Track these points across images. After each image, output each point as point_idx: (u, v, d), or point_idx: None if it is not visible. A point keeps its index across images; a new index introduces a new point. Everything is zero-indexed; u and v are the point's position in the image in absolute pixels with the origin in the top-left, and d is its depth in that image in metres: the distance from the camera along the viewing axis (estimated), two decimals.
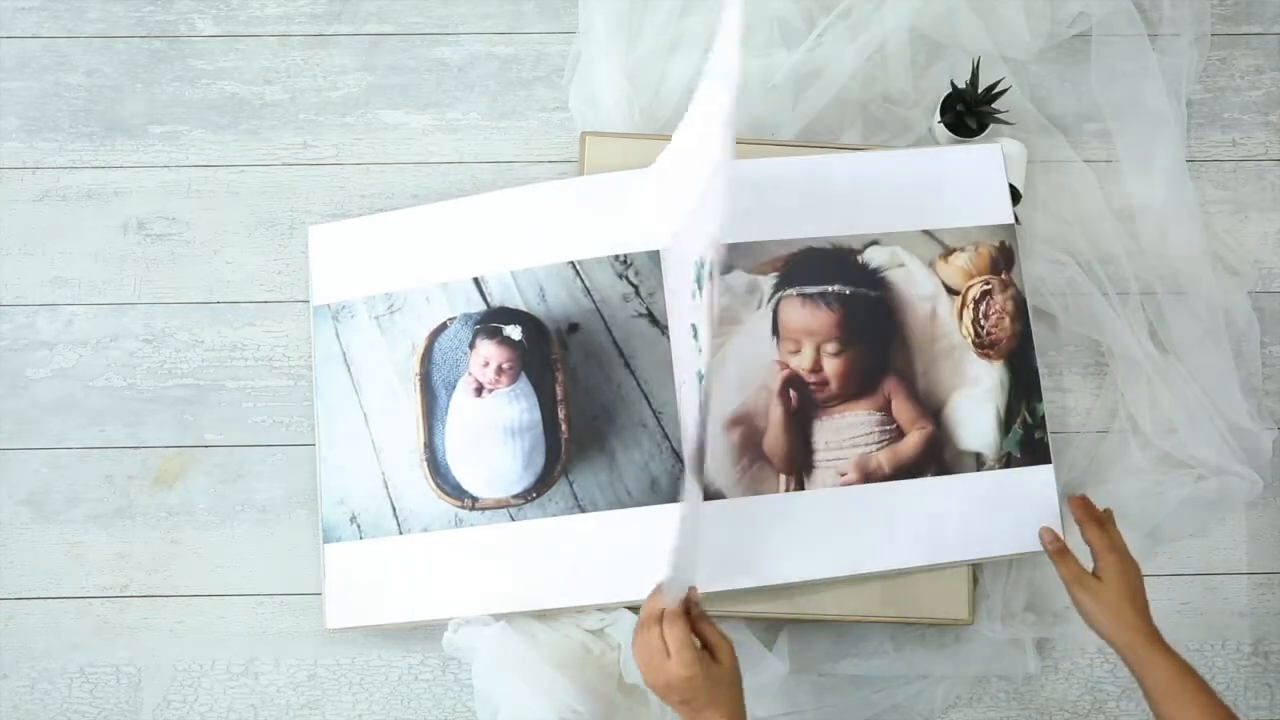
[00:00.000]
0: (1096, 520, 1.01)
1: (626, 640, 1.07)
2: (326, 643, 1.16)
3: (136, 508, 1.18)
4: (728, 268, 1.12)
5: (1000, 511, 1.10)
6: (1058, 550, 1.01)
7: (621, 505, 1.08)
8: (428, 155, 1.25)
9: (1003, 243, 1.15)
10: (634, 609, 1.08)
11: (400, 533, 1.11)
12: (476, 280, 1.14)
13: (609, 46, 1.22)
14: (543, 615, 1.08)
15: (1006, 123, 1.19)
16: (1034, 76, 1.26)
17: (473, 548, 1.09)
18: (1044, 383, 1.14)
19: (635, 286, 1.12)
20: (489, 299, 1.13)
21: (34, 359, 1.21)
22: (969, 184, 1.16)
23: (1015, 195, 1.17)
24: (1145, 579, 0.99)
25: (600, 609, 1.08)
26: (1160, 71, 1.23)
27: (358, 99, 1.26)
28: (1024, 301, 1.14)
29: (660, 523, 1.06)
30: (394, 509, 1.11)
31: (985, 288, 1.13)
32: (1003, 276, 1.14)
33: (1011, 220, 1.15)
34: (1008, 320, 1.13)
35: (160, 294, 1.22)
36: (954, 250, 1.14)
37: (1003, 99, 1.17)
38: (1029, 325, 1.13)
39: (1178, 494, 1.16)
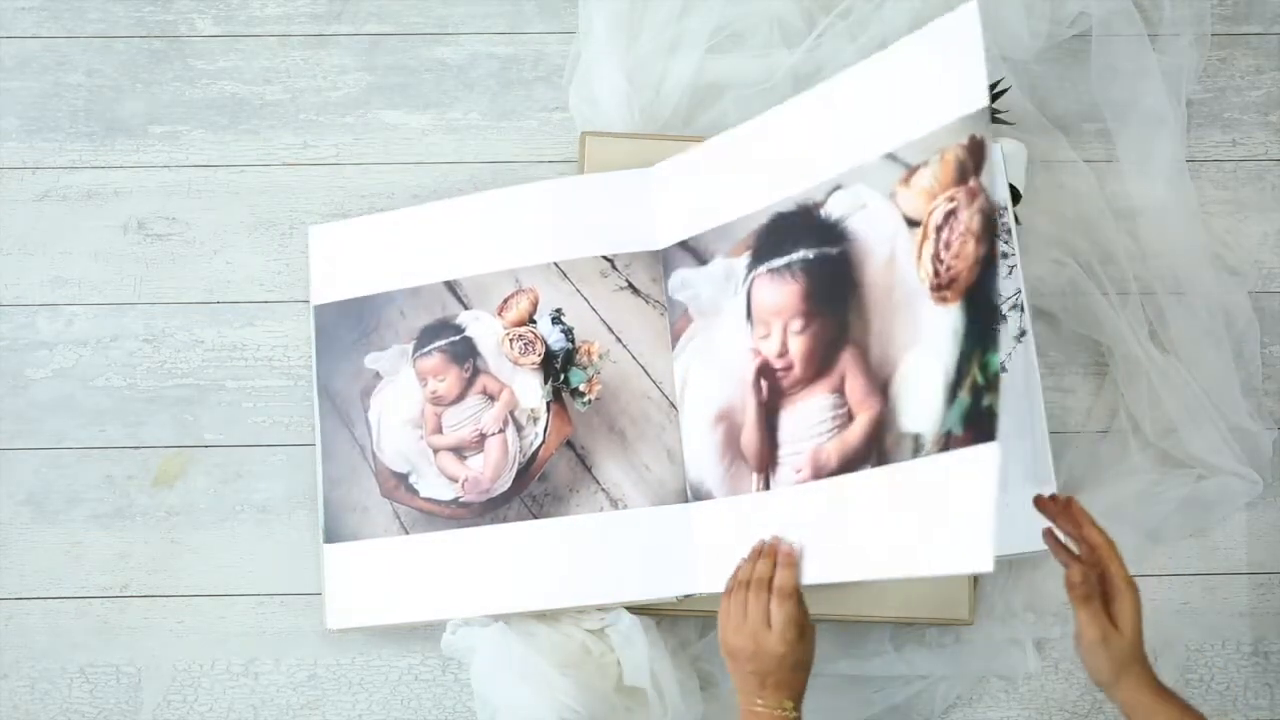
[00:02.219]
0: (1096, 528, 0.89)
1: (626, 641, 1.07)
2: (326, 643, 1.16)
3: (136, 508, 1.18)
4: (710, 255, 1.07)
5: (931, 514, 0.85)
6: (1084, 596, 0.86)
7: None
8: (428, 155, 1.25)
9: (972, 137, 0.87)
10: (634, 609, 1.08)
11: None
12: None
13: (609, 46, 1.22)
14: (543, 615, 1.08)
15: (1007, 123, 1.19)
16: (1034, 76, 1.26)
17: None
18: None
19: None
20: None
21: (34, 359, 1.21)
22: (937, 73, 0.91)
23: (1015, 195, 1.17)
24: (1145, 579, 0.98)
25: (600, 609, 1.08)
26: (1160, 71, 1.22)
27: (358, 99, 1.26)
28: (992, 214, 0.85)
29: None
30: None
31: (949, 206, 0.88)
32: (971, 184, 0.87)
33: (985, 103, 0.87)
34: (971, 244, 0.85)
35: (160, 294, 1.22)
36: (916, 169, 0.91)
37: (1003, 99, 1.17)
38: (995, 247, 0.84)
39: (1178, 494, 1.16)
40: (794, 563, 0.92)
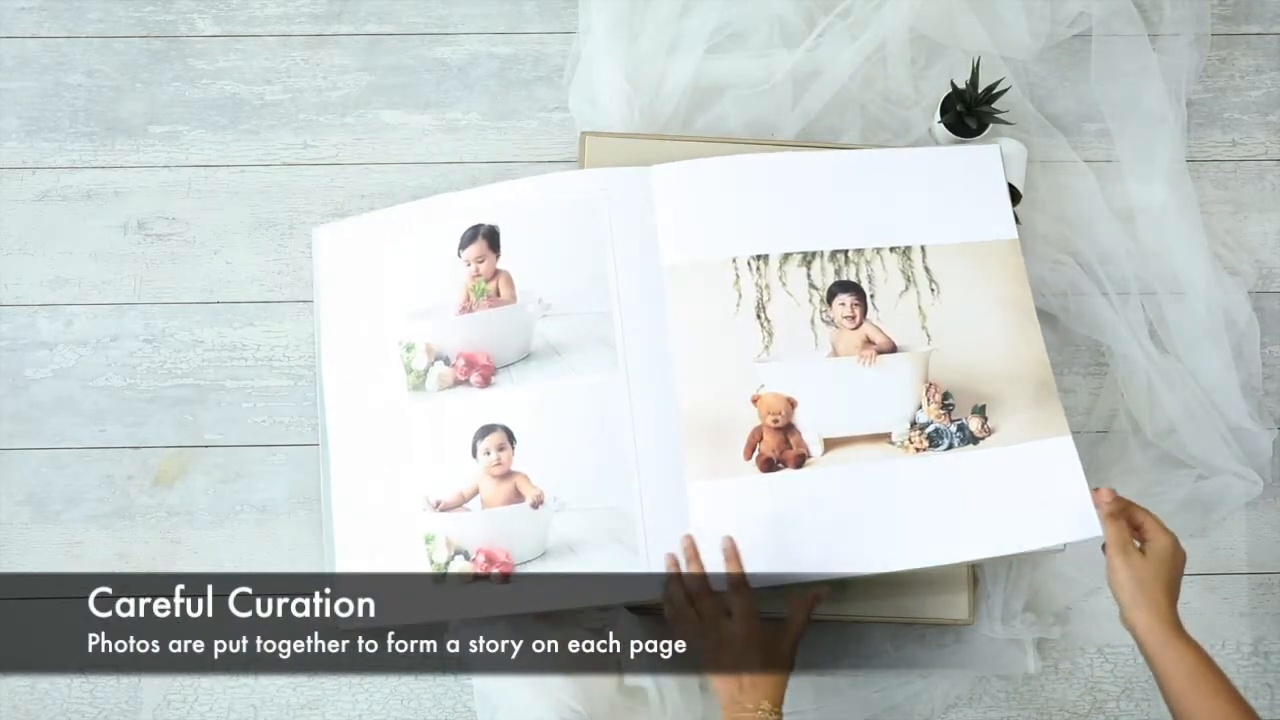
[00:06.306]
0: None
1: (626, 641, 1.07)
2: (327, 642, 1.15)
3: (136, 508, 1.18)
4: None
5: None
6: (1111, 513, 0.95)
7: None
8: (428, 155, 1.25)
9: None
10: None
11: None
12: None
13: (609, 46, 1.22)
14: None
15: (1006, 123, 1.19)
16: (1034, 76, 1.26)
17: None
18: None
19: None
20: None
21: (34, 359, 1.21)
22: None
23: (1015, 195, 1.17)
24: None
25: (600, 609, 1.08)
26: (1160, 71, 1.23)
27: (358, 99, 1.26)
28: None
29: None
30: None
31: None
32: None
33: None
34: None
35: (160, 294, 1.22)
36: None
37: (1003, 99, 1.17)
38: None
39: (1178, 494, 1.16)
40: (738, 555, 0.99)
